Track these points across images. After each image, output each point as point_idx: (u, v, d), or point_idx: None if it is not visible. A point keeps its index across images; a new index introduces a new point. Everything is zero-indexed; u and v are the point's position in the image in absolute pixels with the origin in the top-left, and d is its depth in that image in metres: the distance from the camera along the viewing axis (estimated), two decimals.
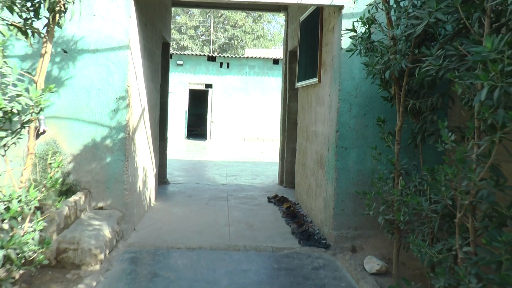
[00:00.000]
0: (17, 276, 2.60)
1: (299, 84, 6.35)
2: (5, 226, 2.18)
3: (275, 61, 17.33)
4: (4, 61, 2.26)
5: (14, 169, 3.05)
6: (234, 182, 8.02)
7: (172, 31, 30.54)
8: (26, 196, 2.15)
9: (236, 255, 4.11)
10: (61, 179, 2.55)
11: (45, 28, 2.69)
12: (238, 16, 30.82)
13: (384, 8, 3.14)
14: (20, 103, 2.23)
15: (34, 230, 2.28)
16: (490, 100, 1.85)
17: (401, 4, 3.09)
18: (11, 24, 2.51)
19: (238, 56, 17.48)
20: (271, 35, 32.75)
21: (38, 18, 2.74)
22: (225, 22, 32.15)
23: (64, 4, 2.60)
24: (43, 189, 2.38)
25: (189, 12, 31.93)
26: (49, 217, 3.48)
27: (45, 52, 2.55)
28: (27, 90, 2.26)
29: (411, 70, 3.06)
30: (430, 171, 2.78)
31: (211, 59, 17.23)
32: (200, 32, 32.30)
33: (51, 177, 2.35)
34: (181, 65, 17.04)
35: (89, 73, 4.21)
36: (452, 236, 2.57)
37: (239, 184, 7.87)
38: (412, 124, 3.40)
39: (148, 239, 4.43)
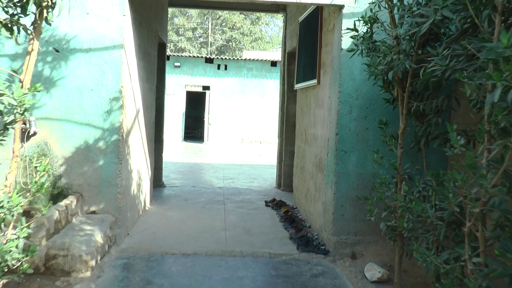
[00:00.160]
0: (0, 286, 2.47)
1: (297, 86, 6.23)
2: None
3: (273, 63, 17.24)
4: None
5: (2, 172, 2.92)
6: (231, 185, 7.89)
7: (170, 32, 30.44)
8: (8, 202, 2.02)
9: (233, 261, 3.98)
10: (47, 184, 2.41)
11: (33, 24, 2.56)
12: (236, 18, 30.74)
13: (387, 6, 3.03)
14: (3, 103, 2.10)
15: (18, 238, 2.15)
16: (504, 102, 1.73)
17: (405, 2, 2.98)
18: None
19: (236, 58, 17.37)
20: (269, 37, 32.68)
21: (26, 14, 2.62)
22: (223, 24, 32.06)
23: None
24: (28, 194, 2.25)
25: (187, 14, 31.85)
26: (38, 222, 3.34)
27: (32, 50, 2.43)
28: (9, 88, 2.13)
29: (415, 71, 2.94)
30: (435, 176, 2.67)
31: (209, 61, 17.11)
32: (198, 34, 32.20)
33: (36, 182, 2.22)
34: (179, 66, 16.91)
35: (81, 73, 4.08)
36: (459, 245, 2.45)
37: (236, 187, 7.74)
38: (415, 127, 3.29)
39: (141, 244, 4.29)
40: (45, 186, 2.26)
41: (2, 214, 2.03)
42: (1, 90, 2.06)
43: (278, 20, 32.10)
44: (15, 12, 2.56)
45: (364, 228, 4.26)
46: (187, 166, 10.44)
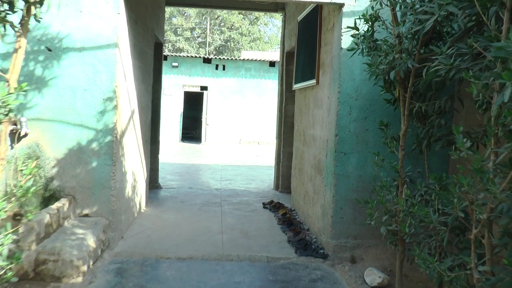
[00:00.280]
0: None
1: (296, 86, 6.13)
2: None
3: (272, 64, 17.14)
4: None
5: None
6: (229, 187, 7.78)
7: (168, 32, 30.33)
8: None
9: (229, 265, 3.88)
10: (34, 188, 2.31)
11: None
12: (235, 18, 30.64)
13: (389, 4, 2.93)
14: None
15: (2, 244, 2.05)
16: None
17: None
18: None
19: (234, 58, 17.25)
20: (267, 38, 32.60)
21: (14, 11, 2.51)
22: (221, 24, 31.95)
23: None
24: (13, 198, 2.14)
25: (185, 14, 31.74)
26: (27, 226, 3.23)
27: (19, 47, 2.32)
28: None
29: (417, 71, 2.85)
30: (438, 180, 2.58)
31: (207, 61, 16.99)
32: (196, 34, 32.09)
33: (21, 186, 2.11)
34: (176, 67, 16.79)
35: (74, 72, 3.97)
36: (462, 251, 2.36)
37: (234, 189, 7.64)
38: (417, 128, 3.20)
39: (136, 248, 4.19)
40: (31, 190, 2.15)
41: None
42: None
43: (276, 20, 32.03)
44: (2, 9, 2.45)
45: (364, 232, 4.17)
46: (184, 167, 10.33)
